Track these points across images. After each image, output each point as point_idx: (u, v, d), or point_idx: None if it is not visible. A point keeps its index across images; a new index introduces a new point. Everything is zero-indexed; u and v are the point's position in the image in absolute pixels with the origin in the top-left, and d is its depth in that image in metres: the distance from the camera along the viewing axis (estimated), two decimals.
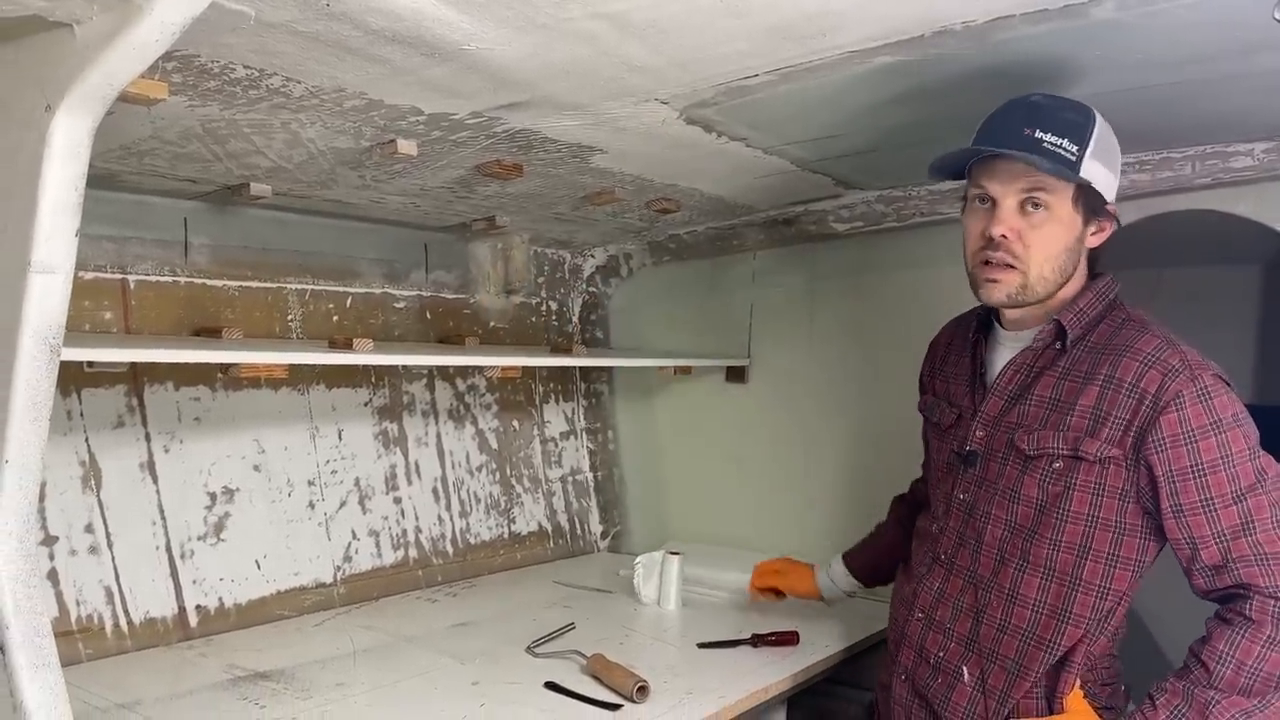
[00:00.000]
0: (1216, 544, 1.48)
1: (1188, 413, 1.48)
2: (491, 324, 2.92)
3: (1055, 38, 1.42)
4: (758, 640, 2.23)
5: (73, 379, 1.97)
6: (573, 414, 3.23)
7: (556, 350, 2.79)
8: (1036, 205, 1.54)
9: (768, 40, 1.41)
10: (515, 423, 3.01)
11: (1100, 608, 1.58)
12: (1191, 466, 1.48)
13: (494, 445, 2.92)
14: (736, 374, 3.05)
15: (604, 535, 3.26)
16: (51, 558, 1.92)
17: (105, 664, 1.95)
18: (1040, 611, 1.59)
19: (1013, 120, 1.53)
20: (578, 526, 3.19)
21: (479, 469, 2.86)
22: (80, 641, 1.94)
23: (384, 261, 2.62)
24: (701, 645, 2.23)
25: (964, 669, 1.66)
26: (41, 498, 1.88)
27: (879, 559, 2.16)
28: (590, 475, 3.26)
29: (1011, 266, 1.57)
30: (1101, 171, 1.54)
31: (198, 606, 2.14)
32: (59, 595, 1.92)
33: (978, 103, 1.61)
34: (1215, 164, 2.01)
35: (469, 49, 1.37)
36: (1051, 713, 1.60)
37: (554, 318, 3.16)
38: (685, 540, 3.00)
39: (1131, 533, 1.57)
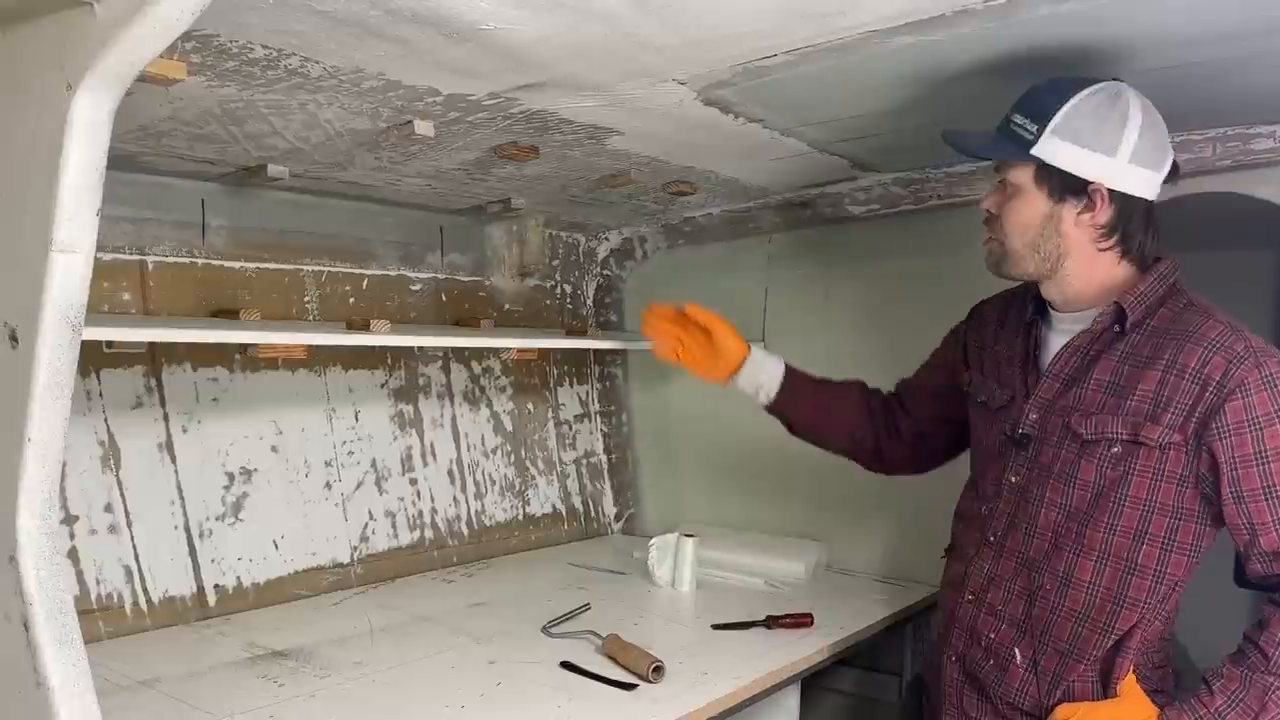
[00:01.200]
0: (1277, 530, 1.49)
1: (1253, 400, 1.48)
2: (506, 306, 2.93)
3: (1077, 17, 1.41)
4: (772, 622, 2.23)
5: (91, 360, 1.98)
6: (587, 397, 3.24)
7: (571, 333, 2.79)
8: (1006, 182, 1.64)
9: (787, 20, 1.40)
10: (530, 405, 3.02)
11: (1156, 591, 1.58)
12: (1255, 454, 1.48)
13: (509, 427, 2.93)
14: None
15: (617, 517, 3.27)
16: (71, 537, 1.93)
17: (124, 642, 1.96)
18: (1095, 595, 1.60)
19: (1012, 105, 1.61)
20: (591, 509, 3.20)
21: (494, 451, 2.87)
22: (100, 620, 1.96)
23: (400, 244, 2.63)
24: (716, 626, 2.23)
25: (1016, 651, 1.66)
26: (61, 477, 1.89)
27: (823, 390, 2.13)
28: (604, 457, 3.26)
29: (994, 238, 1.69)
30: (1067, 149, 1.55)
31: (216, 586, 2.16)
32: (79, 574, 1.94)
33: (998, 84, 1.61)
34: (1236, 146, 2.00)
35: (488, 29, 1.37)
36: (1105, 696, 1.60)
37: (568, 301, 3.16)
38: (698, 523, 3.00)
39: (1188, 518, 1.56)
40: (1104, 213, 1.58)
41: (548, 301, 3.08)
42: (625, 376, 3.31)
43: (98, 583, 1.97)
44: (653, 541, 2.60)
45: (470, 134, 1.91)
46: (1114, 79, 1.57)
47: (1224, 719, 1.49)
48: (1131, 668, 1.60)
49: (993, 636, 1.70)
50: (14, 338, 1.15)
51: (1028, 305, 1.77)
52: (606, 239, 3.18)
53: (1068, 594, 1.62)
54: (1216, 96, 1.80)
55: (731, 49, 1.52)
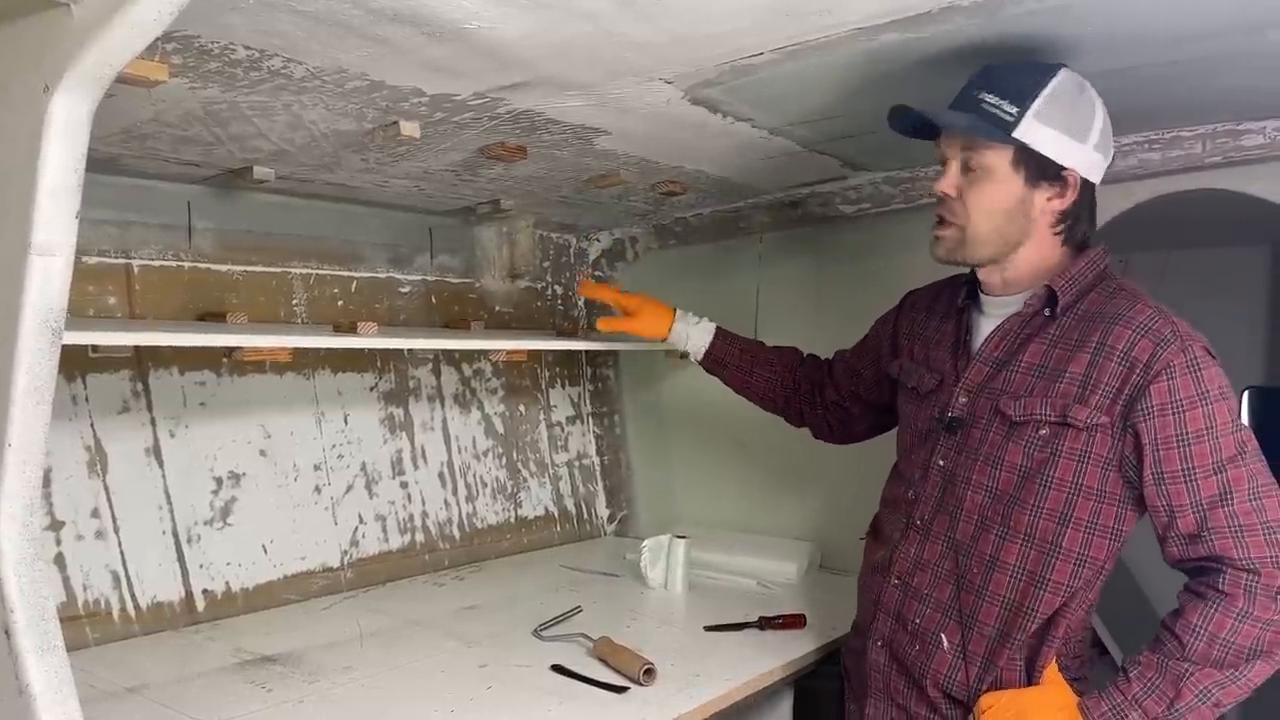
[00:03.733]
0: (1194, 513, 1.50)
1: (1177, 383, 1.50)
2: (497, 308, 2.92)
3: (1063, 14, 1.41)
4: (765, 623, 2.23)
5: (77, 364, 1.96)
6: (579, 398, 3.23)
7: (562, 334, 2.78)
8: (973, 165, 1.59)
9: (772, 17, 1.39)
10: (521, 407, 3.01)
11: (1079, 575, 1.58)
12: (1176, 436, 1.50)
13: (500, 430, 2.92)
14: None
15: (610, 519, 3.26)
16: (58, 543, 1.92)
17: (112, 648, 1.95)
18: (1019, 578, 1.60)
19: (971, 83, 1.58)
20: (584, 511, 3.18)
21: (485, 453, 2.86)
22: (87, 626, 1.95)
23: (388, 246, 2.61)
24: (708, 628, 2.23)
25: (942, 636, 1.67)
26: (48, 483, 1.88)
27: (747, 360, 2.26)
28: (596, 459, 3.25)
29: (951, 223, 1.64)
30: (1048, 134, 1.54)
31: (204, 591, 2.14)
32: (66, 580, 1.92)
33: None
34: (1226, 143, 1.99)
35: (470, 28, 1.36)
36: (1031, 683, 1.61)
37: (559, 302, 3.15)
38: (691, 524, 3.00)
39: (1111, 501, 1.57)
40: (1070, 198, 1.59)
41: (538, 303, 3.07)
42: (617, 378, 3.30)
43: (85, 588, 1.95)
44: (645, 543, 2.59)
45: (457, 134, 1.90)
46: (1060, 64, 1.56)
47: (1140, 705, 1.50)
48: (1054, 656, 1.61)
49: (919, 621, 1.70)
50: None
51: (960, 291, 1.78)
52: (597, 240, 3.17)
53: (993, 577, 1.62)
54: (1204, 93, 1.80)
55: (717, 47, 1.51)
